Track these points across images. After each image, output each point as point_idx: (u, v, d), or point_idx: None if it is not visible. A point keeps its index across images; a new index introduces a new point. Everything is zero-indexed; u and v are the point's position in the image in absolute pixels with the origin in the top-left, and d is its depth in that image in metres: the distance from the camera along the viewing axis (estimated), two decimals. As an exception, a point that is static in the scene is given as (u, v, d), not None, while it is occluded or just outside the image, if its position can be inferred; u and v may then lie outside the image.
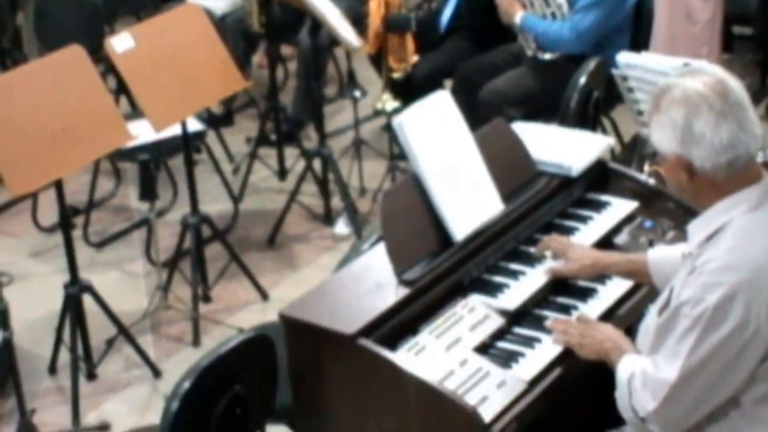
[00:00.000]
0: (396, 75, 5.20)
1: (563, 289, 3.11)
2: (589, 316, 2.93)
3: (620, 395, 2.60)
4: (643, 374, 2.52)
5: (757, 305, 2.38)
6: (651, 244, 3.23)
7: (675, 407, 2.47)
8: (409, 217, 3.00)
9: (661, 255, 2.97)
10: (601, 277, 3.12)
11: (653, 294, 3.12)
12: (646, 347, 2.61)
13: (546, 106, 4.81)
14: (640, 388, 2.52)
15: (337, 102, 6.60)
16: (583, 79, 4.45)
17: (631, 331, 3.18)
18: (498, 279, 3.08)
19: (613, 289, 3.10)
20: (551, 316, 2.98)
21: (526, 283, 3.06)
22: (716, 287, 2.39)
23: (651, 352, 2.55)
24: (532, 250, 3.19)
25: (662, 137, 2.49)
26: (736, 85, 2.47)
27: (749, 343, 2.40)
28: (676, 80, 2.50)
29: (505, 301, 2.98)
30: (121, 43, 4.21)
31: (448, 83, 5.54)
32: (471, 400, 2.64)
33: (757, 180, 2.49)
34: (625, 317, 3.08)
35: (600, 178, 3.54)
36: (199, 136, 5.13)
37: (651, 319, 2.65)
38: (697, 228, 2.53)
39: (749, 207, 2.46)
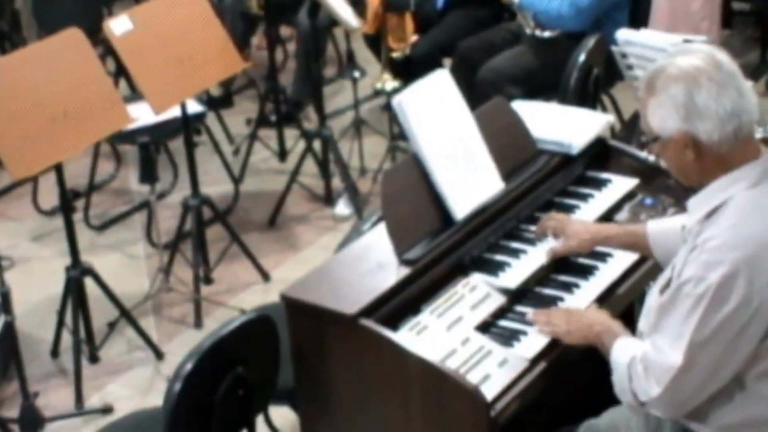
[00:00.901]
0: (395, 55, 5.18)
1: (564, 267, 3.10)
2: (572, 306, 2.90)
3: (618, 379, 2.57)
4: (645, 358, 2.50)
5: (760, 282, 2.37)
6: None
7: (681, 391, 2.46)
8: (410, 197, 3.00)
9: (660, 226, 2.96)
10: (602, 254, 3.12)
11: (655, 271, 3.12)
12: (647, 329, 2.59)
13: (545, 84, 4.80)
14: (642, 373, 2.49)
15: (336, 82, 6.58)
16: (582, 57, 4.44)
17: (631, 309, 3.19)
18: (499, 258, 3.08)
19: (615, 267, 3.10)
20: (552, 295, 2.99)
21: (527, 262, 3.06)
22: (718, 265, 2.38)
23: (652, 332, 2.53)
24: (533, 228, 3.18)
25: (664, 118, 2.46)
26: (725, 58, 2.48)
27: (752, 320, 2.39)
28: (667, 60, 2.50)
29: (506, 280, 2.98)
30: (119, 25, 4.20)
31: (448, 62, 5.53)
32: (473, 378, 2.64)
33: (756, 156, 2.48)
34: (627, 294, 3.09)
35: (600, 156, 3.53)
36: (199, 117, 5.13)
37: (653, 298, 2.64)
38: (697, 204, 2.52)
39: (749, 184, 2.45)
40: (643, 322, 2.66)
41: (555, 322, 2.80)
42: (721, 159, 2.46)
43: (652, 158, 3.45)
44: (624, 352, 2.58)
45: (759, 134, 3.71)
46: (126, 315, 4.36)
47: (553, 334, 2.79)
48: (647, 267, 3.13)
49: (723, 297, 2.38)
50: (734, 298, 2.37)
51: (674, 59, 2.48)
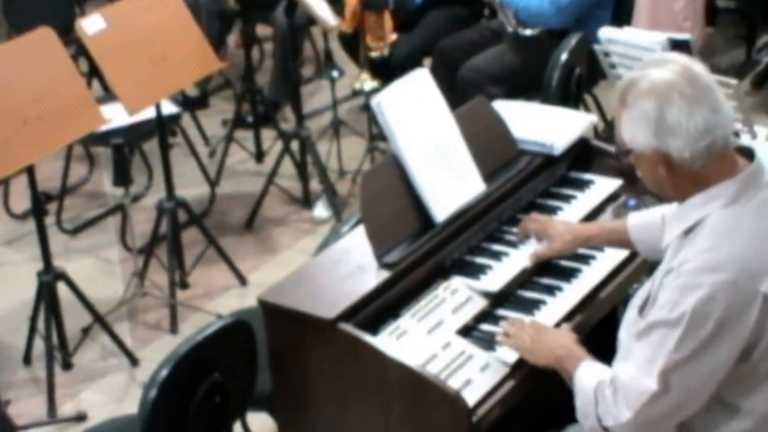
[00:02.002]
0: (374, 54, 5.19)
1: (547, 270, 3.11)
2: (542, 323, 2.87)
3: (582, 404, 2.55)
4: (615, 382, 2.47)
5: (737, 305, 2.35)
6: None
7: (652, 416, 2.43)
8: (389, 199, 3.00)
9: (640, 220, 2.96)
10: (585, 256, 3.13)
11: (638, 273, 3.13)
12: (624, 348, 2.58)
13: (527, 84, 4.81)
14: (611, 397, 2.47)
15: (314, 82, 6.58)
16: (564, 56, 4.45)
17: (615, 314, 3.20)
18: (480, 260, 3.08)
19: (598, 269, 3.11)
20: (535, 298, 2.99)
21: (509, 264, 3.07)
22: (694, 289, 2.36)
23: (626, 355, 2.51)
24: (515, 230, 3.19)
25: (635, 133, 2.44)
26: (701, 70, 2.44)
27: (728, 344, 2.37)
28: (640, 72, 2.46)
29: (487, 283, 2.99)
30: (92, 24, 4.19)
31: (427, 62, 5.53)
32: (454, 384, 2.65)
33: (733, 173, 2.45)
34: (610, 297, 3.10)
35: (583, 156, 3.54)
36: (174, 119, 5.11)
37: (632, 314, 2.63)
38: (674, 221, 2.51)
39: (725, 201, 2.43)
40: (624, 332, 2.65)
41: (520, 336, 2.78)
42: (695, 175, 2.44)
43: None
44: (589, 376, 2.56)
45: (744, 137, 3.75)
46: (100, 320, 4.34)
47: (515, 348, 2.77)
48: (631, 269, 3.14)
49: (699, 322, 2.36)
50: (710, 323, 2.35)
51: (647, 71, 2.45)
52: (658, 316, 2.41)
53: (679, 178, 2.45)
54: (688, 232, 2.46)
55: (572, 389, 2.60)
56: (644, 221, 2.94)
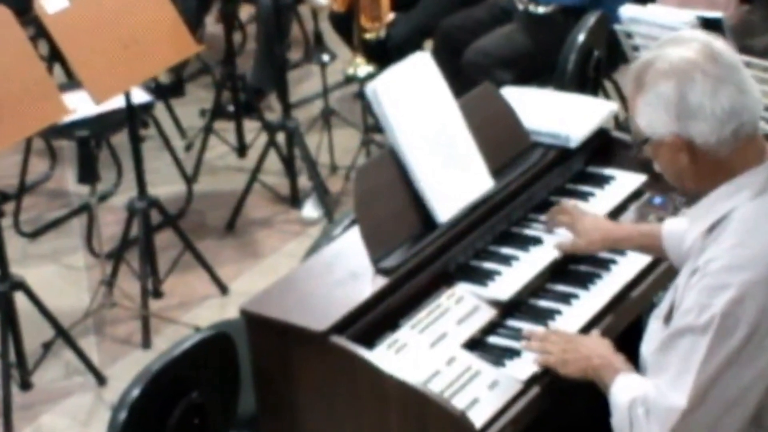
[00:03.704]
0: (369, 36, 5.19)
1: (562, 276, 3.12)
2: (566, 330, 2.89)
3: (618, 422, 2.56)
4: (646, 400, 2.48)
5: None
6: (661, 221, 3.25)
7: None
8: (387, 197, 3.01)
9: (678, 228, 2.93)
10: (605, 261, 3.14)
11: (665, 279, 3.14)
12: (650, 358, 2.58)
13: (540, 68, 4.82)
14: (643, 417, 2.47)
15: (302, 67, 6.59)
16: (581, 37, 4.46)
17: (639, 325, 3.20)
18: (488, 265, 3.09)
19: (619, 275, 3.12)
20: (549, 307, 3.00)
21: (520, 270, 3.08)
22: (722, 290, 2.37)
23: (654, 370, 2.51)
24: (527, 232, 3.20)
25: (653, 118, 2.46)
26: (724, 47, 2.46)
27: (765, 350, 2.37)
28: (656, 52, 2.48)
29: (496, 291, 2.99)
30: (52, 2, 4.19)
31: (429, 44, 5.54)
32: (459, 403, 2.65)
33: (761, 159, 2.47)
34: (633, 307, 3.10)
35: (602, 149, 3.55)
36: (146, 108, 5.11)
37: (656, 325, 2.64)
38: (698, 216, 2.53)
39: (754, 192, 2.44)
40: (646, 347, 2.66)
41: (550, 349, 2.78)
42: (720, 163, 2.46)
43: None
44: (625, 392, 2.56)
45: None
46: (63, 334, 4.35)
47: (545, 363, 2.78)
48: (655, 277, 3.15)
49: (730, 326, 2.36)
50: (743, 327, 2.36)
51: (664, 50, 2.47)
52: (684, 322, 2.42)
53: (702, 167, 2.47)
54: (713, 228, 2.47)
55: (609, 403, 2.61)
56: (681, 228, 2.91)
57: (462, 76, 4.82)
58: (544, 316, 2.97)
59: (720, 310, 2.36)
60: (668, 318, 2.54)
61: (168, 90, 6.22)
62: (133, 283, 4.66)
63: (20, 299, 4.22)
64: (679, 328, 2.43)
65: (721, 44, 2.46)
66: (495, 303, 2.97)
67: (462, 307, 2.94)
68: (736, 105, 2.41)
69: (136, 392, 2.68)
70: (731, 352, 2.37)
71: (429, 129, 3.11)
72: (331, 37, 6.08)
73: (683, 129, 2.43)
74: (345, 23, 5.44)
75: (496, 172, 3.24)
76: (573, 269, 3.15)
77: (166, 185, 5.44)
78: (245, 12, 6.82)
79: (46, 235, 5.30)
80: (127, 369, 4.25)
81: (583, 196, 3.40)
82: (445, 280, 3.02)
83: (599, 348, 2.74)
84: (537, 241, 3.18)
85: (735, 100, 2.41)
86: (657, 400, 2.45)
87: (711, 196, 2.49)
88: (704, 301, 2.39)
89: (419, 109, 3.11)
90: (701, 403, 2.40)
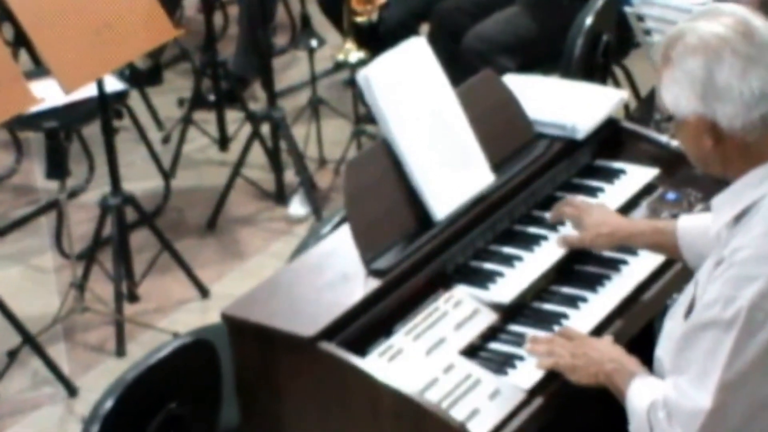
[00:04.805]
0: (360, 19, 5.20)
1: (568, 277, 3.13)
2: (577, 330, 2.90)
3: (637, 429, 2.56)
4: (667, 402, 2.48)
5: None
6: (675, 218, 3.25)
7: None
8: (379, 193, 3.01)
9: (694, 224, 2.95)
10: (614, 260, 3.15)
11: (679, 282, 3.14)
12: (669, 358, 2.59)
13: (545, 54, 4.82)
14: (665, 420, 2.48)
15: (289, 53, 6.59)
16: (589, 20, 4.47)
17: (651, 331, 3.21)
18: (489, 266, 3.10)
19: (630, 276, 3.12)
20: (554, 311, 3.01)
21: (522, 271, 3.08)
22: (750, 281, 2.37)
23: (674, 369, 2.52)
24: (530, 230, 3.21)
25: (678, 96, 2.47)
26: (761, 24, 2.46)
27: None
28: (688, 24, 2.49)
29: (497, 293, 3.00)
30: (19, -17, 4.20)
31: (425, 28, 5.55)
32: (458, 414, 2.65)
33: None
34: (645, 310, 3.11)
35: (611, 141, 3.56)
36: (120, 97, 5.11)
37: (675, 322, 2.64)
38: (724, 204, 2.53)
39: None
40: (662, 349, 2.66)
41: (558, 352, 2.79)
42: (747, 149, 2.46)
43: (674, 143, 3.48)
44: (642, 396, 2.57)
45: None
46: (30, 342, 4.34)
47: (554, 367, 2.78)
48: (670, 277, 3.16)
49: (758, 320, 2.37)
50: None
51: (695, 24, 2.47)
52: (707, 316, 2.42)
53: (728, 151, 2.48)
54: (741, 216, 2.48)
55: (626, 410, 2.62)
56: (698, 225, 2.92)
57: (460, 63, 4.82)
58: (548, 321, 2.97)
59: (747, 302, 2.37)
60: (688, 313, 2.54)
61: (144, 78, 6.21)
62: (106, 286, 4.66)
63: (-16, 304, 4.23)
64: (702, 322, 2.43)
65: (759, 22, 2.46)
66: (496, 306, 2.98)
67: (461, 311, 2.94)
68: (766, 88, 2.42)
69: (109, 404, 2.69)
70: (760, 349, 2.38)
71: (425, 120, 3.11)
72: (320, 21, 6.08)
73: (708, 110, 2.44)
74: (334, 5, 5.45)
75: (497, 166, 3.24)
76: (580, 270, 3.15)
77: (141, 180, 5.44)
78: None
79: (12, 234, 5.29)
80: (100, 379, 4.25)
81: (591, 191, 3.41)
82: (442, 282, 3.02)
83: (611, 351, 2.75)
84: (541, 239, 3.19)
85: (766, 82, 2.41)
86: (679, 402, 2.46)
87: (738, 182, 2.50)
88: (730, 293, 2.39)
89: (414, 98, 3.11)
90: (728, 403, 2.41)
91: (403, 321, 2.89)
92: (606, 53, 4.56)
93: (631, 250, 3.17)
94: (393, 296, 2.91)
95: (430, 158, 3.08)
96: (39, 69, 5.06)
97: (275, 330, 2.78)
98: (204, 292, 4.83)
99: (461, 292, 3.00)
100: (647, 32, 4.17)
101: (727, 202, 2.53)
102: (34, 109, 4.26)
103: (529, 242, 3.18)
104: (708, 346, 2.42)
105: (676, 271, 3.16)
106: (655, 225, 3.09)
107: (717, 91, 2.42)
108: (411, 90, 3.12)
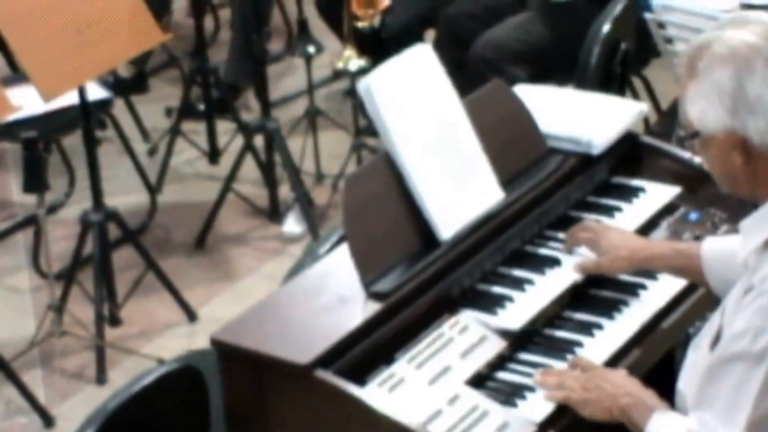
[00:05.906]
0: (361, 24, 5.21)
1: (583, 302, 3.13)
2: (590, 360, 2.90)
3: None
4: None
5: None
6: (698, 240, 3.25)
7: None
8: (381, 210, 3.01)
9: (719, 248, 2.95)
10: (632, 285, 3.15)
11: (701, 308, 3.15)
12: (692, 391, 2.59)
13: (559, 63, 4.84)
14: None
15: (284, 60, 6.60)
16: (607, 27, 4.48)
17: (670, 362, 3.21)
18: (497, 290, 3.10)
19: (649, 302, 3.12)
20: (568, 338, 3.01)
21: (533, 295, 3.08)
22: None
23: (698, 403, 2.52)
24: (542, 251, 3.21)
25: (705, 110, 2.46)
26: None
27: None
28: (714, 33, 2.49)
29: (506, 319, 3.00)
30: (-6, -18, 4.21)
31: (430, 34, 5.56)
32: (463, 448, 2.66)
33: None
34: (665, 339, 3.11)
35: (630, 157, 3.56)
36: (104, 106, 5.12)
37: (700, 353, 2.64)
38: (753, 228, 2.53)
39: None
40: (685, 382, 2.67)
41: (569, 385, 2.79)
42: None
43: (698, 159, 3.49)
44: (664, 430, 2.57)
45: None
46: (4, 368, 4.34)
47: (565, 400, 2.78)
48: (692, 303, 3.16)
49: None
50: None
51: (723, 32, 2.47)
52: (736, 348, 2.43)
53: (759, 169, 2.48)
54: None
55: None
56: (724, 248, 2.92)
57: (468, 72, 4.84)
58: (561, 349, 2.97)
59: None
60: (715, 344, 2.54)
61: (129, 85, 6.23)
62: (87, 309, 4.66)
63: (-44, 326, 4.23)
64: (730, 354, 2.44)
65: None
66: (505, 333, 2.98)
67: (467, 338, 2.95)
68: None
69: (89, 434, 2.69)
70: None
71: (430, 132, 3.12)
72: (318, 26, 6.09)
73: (738, 124, 2.44)
74: (333, 9, 5.46)
75: (507, 182, 3.25)
76: (595, 295, 3.15)
77: (125, 195, 5.45)
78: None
79: (-13, 252, 5.31)
80: (79, 408, 4.25)
81: (608, 210, 3.41)
82: (447, 306, 3.02)
83: (626, 384, 2.74)
84: (554, 262, 3.19)
85: None
86: None
87: None
88: (760, 324, 2.40)
89: (419, 109, 3.12)
90: None
91: (405, 348, 2.89)
92: (624, 62, 4.57)
93: (651, 274, 3.17)
94: (394, 321, 2.91)
95: (435, 174, 3.08)
96: (16, 75, 5.07)
97: (268, 357, 2.78)
98: (191, 315, 4.83)
99: (468, 317, 3.00)
100: (669, 40, 4.18)
101: (756, 226, 2.53)
102: (11, 117, 4.27)
103: (541, 264, 3.18)
104: (736, 380, 2.42)
105: (698, 297, 3.16)
106: (677, 247, 3.09)
107: (748, 103, 2.42)
108: (415, 101, 3.12)
